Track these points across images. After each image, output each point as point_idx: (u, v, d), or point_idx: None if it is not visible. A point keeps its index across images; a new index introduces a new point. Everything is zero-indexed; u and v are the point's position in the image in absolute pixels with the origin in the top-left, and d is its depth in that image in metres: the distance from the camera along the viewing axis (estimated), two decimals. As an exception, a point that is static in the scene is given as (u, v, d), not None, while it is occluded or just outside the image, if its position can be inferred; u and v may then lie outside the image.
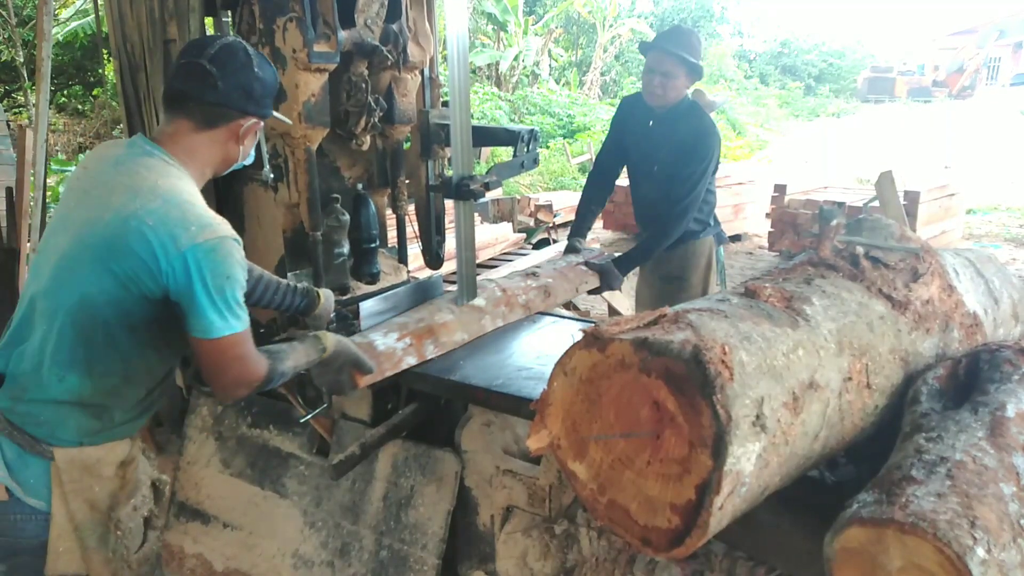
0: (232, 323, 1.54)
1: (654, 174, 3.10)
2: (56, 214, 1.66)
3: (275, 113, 1.79)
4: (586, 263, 2.84)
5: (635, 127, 3.15)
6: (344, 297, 2.42)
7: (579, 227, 3.23)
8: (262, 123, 1.74)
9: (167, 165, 1.59)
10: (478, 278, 2.34)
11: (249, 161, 1.81)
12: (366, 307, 2.08)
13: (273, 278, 2.01)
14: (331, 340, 1.79)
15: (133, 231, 1.49)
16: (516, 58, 17.98)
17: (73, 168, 8.56)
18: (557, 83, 20.01)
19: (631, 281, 3.69)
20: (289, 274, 2.37)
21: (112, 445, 1.67)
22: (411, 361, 2.01)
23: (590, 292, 2.87)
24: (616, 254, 3.07)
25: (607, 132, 3.39)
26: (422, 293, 2.28)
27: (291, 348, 1.72)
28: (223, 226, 1.56)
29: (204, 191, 2.33)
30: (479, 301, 2.28)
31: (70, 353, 1.55)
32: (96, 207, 1.55)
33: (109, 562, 1.71)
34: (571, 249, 3.06)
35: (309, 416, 2.00)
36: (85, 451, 1.61)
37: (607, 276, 2.87)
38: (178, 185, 1.57)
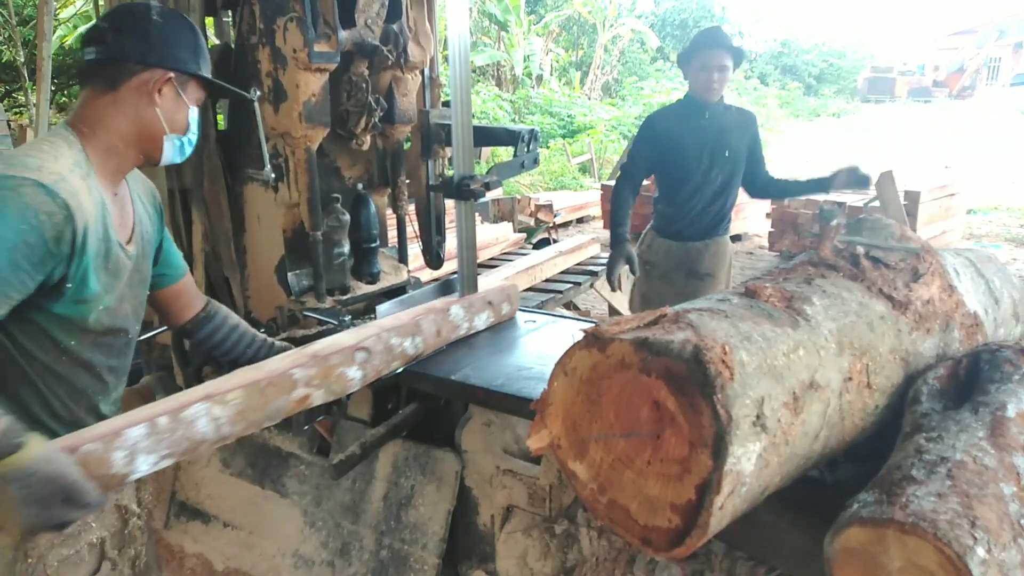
0: None
1: (725, 159, 3.31)
2: None
3: (207, 74, 1.57)
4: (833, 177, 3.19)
5: (686, 131, 3.29)
6: (344, 297, 2.42)
7: (622, 222, 3.32)
8: (192, 87, 1.54)
9: (54, 134, 1.44)
10: (479, 278, 2.34)
11: (193, 138, 1.60)
12: (382, 310, 2.09)
13: (250, 330, 1.86)
14: (37, 448, 1.20)
15: None
16: (524, 59, 17.99)
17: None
18: (558, 83, 20.02)
19: (632, 280, 3.70)
20: (290, 274, 2.38)
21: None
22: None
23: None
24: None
25: (634, 149, 3.56)
26: (437, 296, 2.29)
27: None
28: (42, 173, 1.30)
29: (201, 190, 2.36)
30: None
31: None
32: None
33: None
34: (626, 256, 3.17)
35: (314, 423, 1.93)
36: None
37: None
38: (36, 146, 1.39)
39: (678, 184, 3.37)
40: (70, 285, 1.40)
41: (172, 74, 1.49)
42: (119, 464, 1.30)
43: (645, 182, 3.53)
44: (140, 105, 1.48)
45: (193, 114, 1.58)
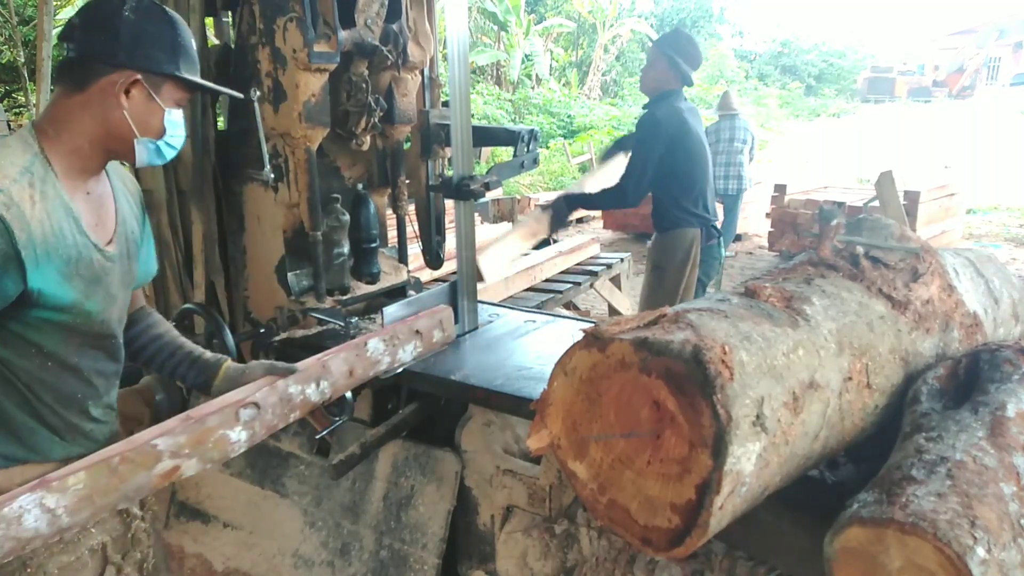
0: None
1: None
2: None
3: (187, 75, 1.45)
4: (541, 205, 3.19)
5: None
6: (344, 297, 2.42)
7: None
8: (169, 88, 1.44)
9: (13, 138, 1.37)
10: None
11: (173, 142, 1.49)
12: (389, 312, 2.08)
13: (176, 340, 1.70)
14: None
15: None
16: (524, 59, 18.00)
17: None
18: (558, 83, 20.02)
19: (632, 281, 3.73)
20: (290, 274, 2.37)
21: (24, 469, 1.41)
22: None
23: (539, 242, 3.41)
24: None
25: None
26: (447, 297, 2.28)
27: None
28: None
29: (201, 191, 2.36)
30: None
31: None
32: None
33: None
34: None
35: (325, 432, 1.82)
36: None
37: (558, 211, 3.28)
38: None
39: None
40: (38, 295, 1.34)
41: (140, 75, 1.39)
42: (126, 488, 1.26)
43: None
44: (108, 107, 1.39)
45: (171, 116, 1.46)
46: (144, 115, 1.41)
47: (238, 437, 1.47)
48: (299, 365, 1.66)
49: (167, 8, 1.46)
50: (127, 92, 1.39)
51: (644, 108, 3.47)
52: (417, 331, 1.98)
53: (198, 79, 1.48)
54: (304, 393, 1.62)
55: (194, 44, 1.49)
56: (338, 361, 1.72)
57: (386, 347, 1.87)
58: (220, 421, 1.44)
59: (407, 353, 1.95)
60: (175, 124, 1.47)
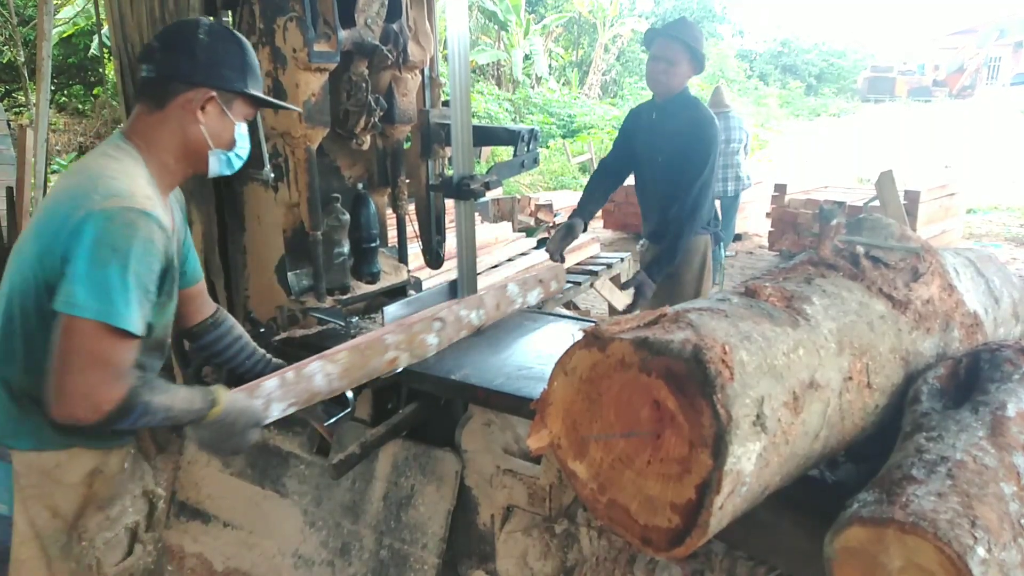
0: (102, 308, 1.29)
1: (659, 164, 3.13)
2: None
3: (254, 91, 1.60)
4: (622, 284, 2.92)
5: (642, 126, 3.24)
6: (344, 297, 2.42)
7: (581, 209, 3.28)
8: (239, 104, 1.58)
9: (118, 149, 1.50)
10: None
11: (241, 152, 1.63)
12: (390, 311, 2.09)
13: (251, 344, 1.88)
14: (225, 398, 1.52)
15: (50, 213, 1.41)
16: (524, 59, 18.00)
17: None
18: (557, 83, 20.02)
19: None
20: (290, 274, 2.37)
21: (76, 452, 1.55)
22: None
23: (626, 310, 2.88)
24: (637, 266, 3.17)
25: (614, 138, 3.46)
26: (447, 296, 2.29)
27: (174, 388, 1.47)
28: (137, 199, 1.37)
29: (204, 191, 2.36)
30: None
31: (6, 344, 1.47)
32: (47, 198, 1.51)
33: (74, 573, 1.59)
34: (569, 228, 3.12)
35: (333, 420, 1.89)
36: (43, 455, 1.51)
37: (642, 288, 2.92)
38: (110, 164, 1.45)
39: (639, 180, 3.35)
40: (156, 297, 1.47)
41: (215, 92, 1.53)
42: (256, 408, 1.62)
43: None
44: (185, 122, 1.52)
45: (240, 130, 1.61)
46: (218, 129, 1.56)
47: (432, 341, 2.03)
48: (463, 300, 2.20)
49: (235, 31, 1.62)
50: (203, 108, 1.53)
51: (651, 109, 3.16)
52: (540, 280, 2.46)
53: (264, 95, 1.64)
54: (469, 317, 2.16)
55: (258, 62, 1.64)
56: (490, 296, 2.26)
57: (520, 290, 2.38)
58: (422, 328, 2.00)
59: (533, 297, 2.43)
60: (243, 137, 1.63)
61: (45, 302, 1.39)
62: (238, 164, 1.66)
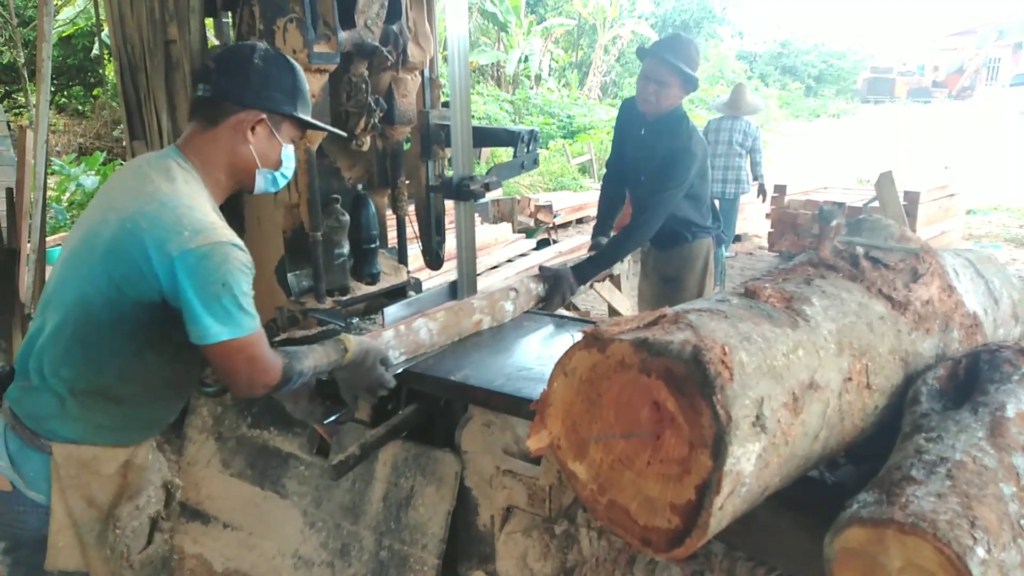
0: (233, 328, 1.48)
1: (641, 183, 3.10)
2: (81, 214, 1.69)
3: (303, 115, 1.69)
4: (539, 267, 2.67)
5: (631, 133, 3.18)
6: (344, 298, 2.42)
7: (600, 226, 3.28)
8: (287, 127, 1.68)
9: (179, 168, 1.58)
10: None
11: (287, 172, 1.73)
12: (390, 312, 2.09)
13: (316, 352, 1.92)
14: (352, 341, 1.76)
15: (128, 233, 1.48)
16: (521, 60, 17.99)
17: (73, 170, 8.60)
18: (557, 84, 20.02)
19: (632, 281, 3.70)
20: (290, 275, 2.38)
21: (114, 450, 1.65)
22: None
23: (541, 308, 2.59)
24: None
25: (612, 135, 3.42)
26: (446, 297, 2.29)
27: (310, 349, 1.67)
28: (219, 231, 1.50)
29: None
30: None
31: (66, 349, 1.55)
32: (104, 208, 1.57)
33: (108, 560, 1.68)
34: (595, 248, 3.13)
35: (332, 419, 1.90)
36: (82, 448, 1.59)
37: (559, 282, 2.60)
38: (181, 189, 1.54)
39: (629, 186, 3.29)
40: None
41: (265, 115, 1.62)
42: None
43: None
44: (236, 142, 1.61)
45: (287, 151, 1.70)
46: (266, 149, 1.65)
47: (508, 308, 2.36)
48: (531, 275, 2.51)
49: (288, 57, 1.70)
50: (253, 129, 1.62)
51: (641, 120, 3.08)
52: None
53: (312, 120, 1.73)
54: (536, 289, 2.52)
55: (308, 88, 1.73)
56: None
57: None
58: (501, 296, 2.34)
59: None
60: (289, 157, 1.72)
61: (127, 314, 1.52)
62: (283, 183, 1.75)
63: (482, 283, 2.34)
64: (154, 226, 1.47)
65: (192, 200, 1.53)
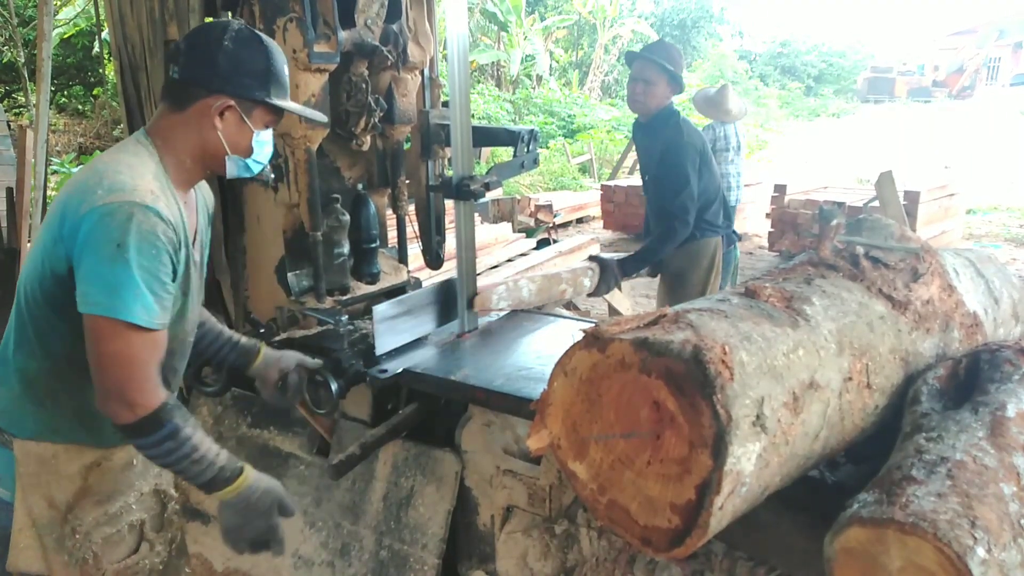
0: (115, 305, 1.31)
1: (648, 183, 3.39)
2: None
3: (277, 101, 1.58)
4: (590, 256, 2.91)
5: (638, 143, 3.51)
6: (344, 297, 2.42)
7: (646, 228, 3.56)
8: (259, 113, 1.57)
9: (135, 144, 1.50)
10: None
11: (260, 159, 1.63)
12: (380, 310, 2.08)
13: (216, 326, 1.85)
14: (252, 473, 1.50)
15: (62, 203, 1.42)
16: (523, 60, 18.00)
17: (74, 169, 8.62)
18: (558, 83, 20.02)
19: (632, 281, 3.72)
20: (290, 274, 2.37)
21: (79, 448, 1.56)
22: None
23: (590, 295, 2.88)
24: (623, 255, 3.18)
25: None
26: (438, 296, 2.28)
27: (203, 434, 1.44)
28: (139, 193, 1.36)
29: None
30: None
31: (19, 334, 1.49)
32: (62, 190, 1.51)
33: (67, 566, 1.58)
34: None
35: (318, 411, 1.90)
36: (42, 445, 1.52)
37: (606, 272, 2.85)
38: (123, 158, 1.44)
39: (644, 190, 3.56)
40: None
41: (234, 101, 1.52)
42: (493, 301, 2.28)
43: None
44: (203, 127, 1.52)
45: (260, 137, 1.59)
46: (235, 136, 1.55)
47: (586, 283, 2.75)
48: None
49: (263, 36, 1.58)
50: (221, 115, 1.52)
51: (640, 127, 3.34)
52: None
53: (286, 104, 1.61)
54: (593, 278, 2.80)
55: (286, 70, 1.61)
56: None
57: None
58: (581, 272, 2.75)
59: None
60: (262, 144, 1.62)
61: (51, 290, 1.42)
62: (257, 169, 1.66)
63: (482, 283, 2.34)
64: (77, 189, 1.39)
65: (125, 167, 1.42)
